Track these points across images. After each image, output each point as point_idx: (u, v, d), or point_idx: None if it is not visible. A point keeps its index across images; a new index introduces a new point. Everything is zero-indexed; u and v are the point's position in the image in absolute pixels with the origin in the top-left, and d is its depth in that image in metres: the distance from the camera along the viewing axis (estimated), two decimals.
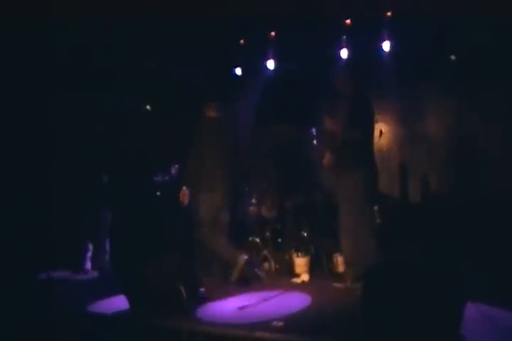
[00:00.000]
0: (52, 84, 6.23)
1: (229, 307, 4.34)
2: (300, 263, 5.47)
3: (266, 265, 5.78)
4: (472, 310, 3.43)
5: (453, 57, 6.15)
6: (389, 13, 5.59)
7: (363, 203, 4.72)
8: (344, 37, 6.13)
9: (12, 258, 5.32)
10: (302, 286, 5.08)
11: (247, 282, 5.12)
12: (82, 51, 6.04)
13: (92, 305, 4.64)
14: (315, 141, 5.95)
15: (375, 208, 5.33)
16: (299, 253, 5.56)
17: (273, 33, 6.25)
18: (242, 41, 6.42)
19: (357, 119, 4.61)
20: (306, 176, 6.53)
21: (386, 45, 6.01)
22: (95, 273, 6.06)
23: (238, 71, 6.97)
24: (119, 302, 4.44)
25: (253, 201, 6.20)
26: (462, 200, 5.76)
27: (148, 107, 7.49)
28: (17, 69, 5.75)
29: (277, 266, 5.74)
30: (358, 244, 4.69)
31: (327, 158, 4.83)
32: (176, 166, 6.80)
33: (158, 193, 6.67)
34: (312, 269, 5.47)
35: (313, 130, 6.07)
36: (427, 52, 5.94)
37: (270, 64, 6.69)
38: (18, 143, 5.99)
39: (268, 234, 6.08)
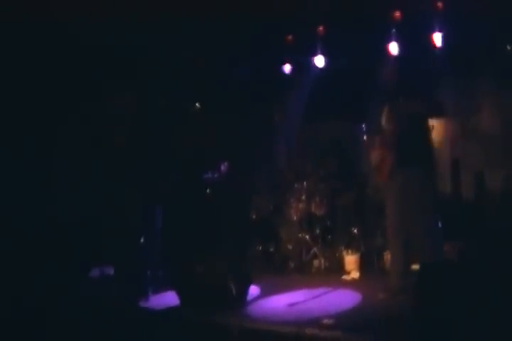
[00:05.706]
0: (107, 84, 6.37)
1: (279, 304, 4.37)
2: (350, 260, 5.45)
3: (316, 262, 5.77)
4: None
5: (509, 47, 5.92)
6: (439, 4, 5.45)
7: (423, 204, 4.37)
8: (394, 30, 5.99)
9: (65, 255, 5.46)
10: (352, 284, 5.05)
11: None
12: (135, 50, 6.14)
13: (142, 301, 4.74)
14: (365, 138, 5.87)
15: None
16: (349, 251, 5.52)
17: (321, 28, 6.18)
18: (289, 37, 6.38)
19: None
20: (357, 173, 6.45)
21: (437, 38, 5.85)
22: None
23: (287, 68, 6.93)
24: (169, 299, 4.52)
25: (303, 198, 6.17)
26: None
27: (198, 106, 7.56)
28: (66, 67, 5.89)
29: (327, 264, 5.72)
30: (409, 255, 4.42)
31: (381, 156, 4.69)
32: (226, 164, 6.85)
33: (208, 191, 6.70)
34: (362, 267, 5.42)
35: (363, 127, 5.99)
36: (480, 44, 5.75)
37: (319, 60, 6.62)
38: (73, 142, 6.19)
39: (318, 231, 6.05)
